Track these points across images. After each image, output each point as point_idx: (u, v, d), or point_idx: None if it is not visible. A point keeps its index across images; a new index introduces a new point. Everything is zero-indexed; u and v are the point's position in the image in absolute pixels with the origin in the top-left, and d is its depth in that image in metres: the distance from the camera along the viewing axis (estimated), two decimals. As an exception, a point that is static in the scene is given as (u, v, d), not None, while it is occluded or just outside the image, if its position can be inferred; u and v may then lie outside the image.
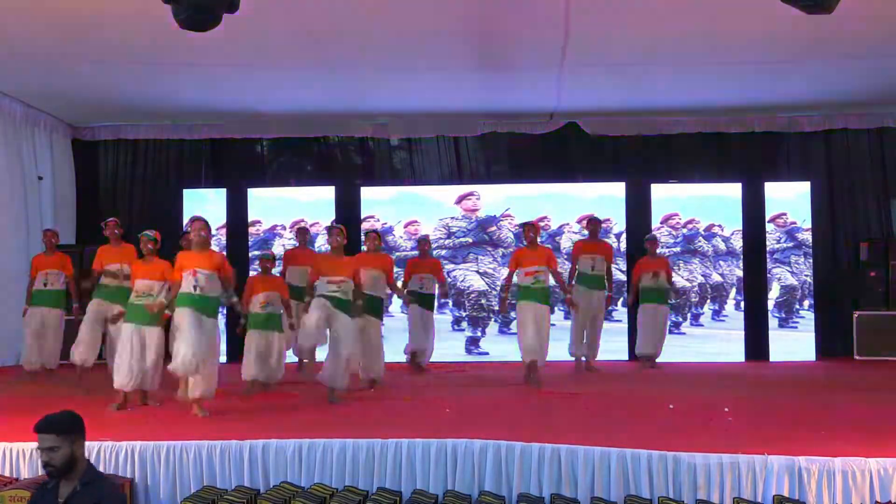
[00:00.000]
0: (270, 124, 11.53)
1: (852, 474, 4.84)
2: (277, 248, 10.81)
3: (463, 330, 10.92)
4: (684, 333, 10.78)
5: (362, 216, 10.99)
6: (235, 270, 7.39)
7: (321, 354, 7.94)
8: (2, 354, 9.81)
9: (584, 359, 9.32)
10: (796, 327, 10.77)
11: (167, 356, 6.94)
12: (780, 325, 10.77)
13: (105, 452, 5.41)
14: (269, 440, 5.45)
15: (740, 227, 10.85)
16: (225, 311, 9.33)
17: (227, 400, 7.12)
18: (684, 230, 10.92)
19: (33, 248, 9.83)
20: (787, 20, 5.84)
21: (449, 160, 11.66)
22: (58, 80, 9.50)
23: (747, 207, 10.82)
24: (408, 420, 6.35)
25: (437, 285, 9.31)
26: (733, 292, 10.87)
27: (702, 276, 10.89)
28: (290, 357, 8.92)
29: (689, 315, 10.84)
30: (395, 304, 10.04)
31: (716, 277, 10.89)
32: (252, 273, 9.84)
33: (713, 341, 10.77)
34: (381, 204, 11.21)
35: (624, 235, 10.88)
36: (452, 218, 11.05)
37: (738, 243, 10.87)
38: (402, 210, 11.17)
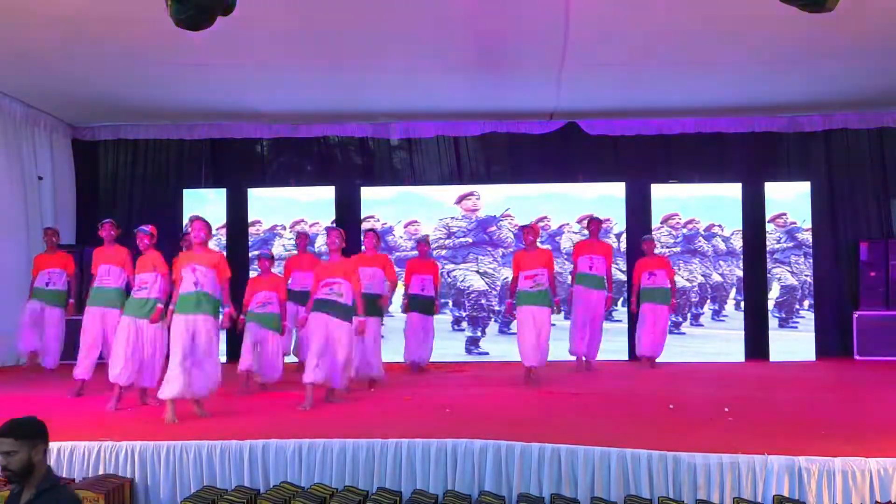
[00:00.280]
0: (270, 124, 11.53)
1: (852, 474, 4.85)
2: (277, 249, 10.82)
3: (463, 330, 10.93)
4: (684, 333, 10.78)
5: (362, 216, 11.00)
6: (235, 271, 7.38)
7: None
8: (2, 354, 9.81)
9: (584, 358, 9.34)
10: (796, 327, 10.76)
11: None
12: (780, 325, 10.77)
13: (105, 452, 5.42)
14: (269, 440, 5.46)
15: (740, 228, 10.85)
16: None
17: (227, 400, 7.12)
18: (684, 230, 10.92)
19: (33, 249, 9.82)
20: (787, 20, 5.84)
21: (449, 160, 11.65)
22: (58, 80, 9.49)
23: (747, 207, 10.83)
24: (408, 420, 6.35)
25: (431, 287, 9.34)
26: (733, 292, 10.88)
27: (702, 276, 10.89)
28: (290, 357, 8.94)
29: (689, 315, 10.85)
30: (396, 304, 10.04)
31: (716, 277, 10.89)
32: (252, 273, 9.86)
33: (713, 341, 10.77)
34: (381, 204, 11.21)
35: (624, 235, 10.89)
36: (452, 218, 11.05)
37: (738, 243, 10.87)
38: (402, 210, 11.17)
